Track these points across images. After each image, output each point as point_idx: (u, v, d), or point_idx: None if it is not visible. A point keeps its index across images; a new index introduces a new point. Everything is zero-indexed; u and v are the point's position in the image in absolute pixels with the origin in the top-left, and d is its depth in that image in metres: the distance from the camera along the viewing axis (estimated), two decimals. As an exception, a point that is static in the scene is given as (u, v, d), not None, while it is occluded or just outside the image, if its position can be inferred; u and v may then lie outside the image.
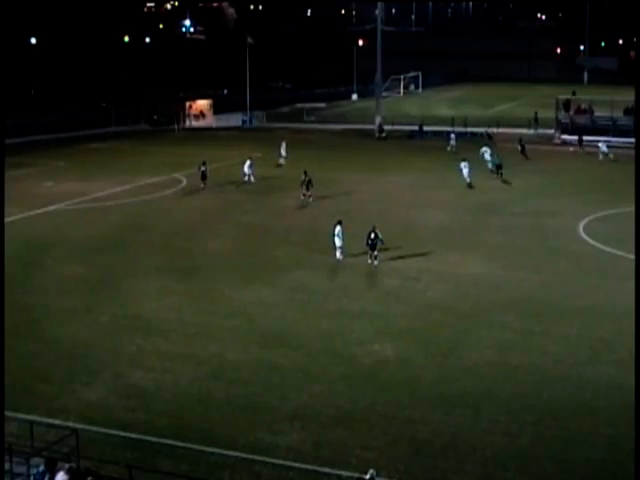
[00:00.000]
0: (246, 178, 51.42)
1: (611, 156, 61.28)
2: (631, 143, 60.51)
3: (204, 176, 49.47)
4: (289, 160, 56.40)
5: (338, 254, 34.33)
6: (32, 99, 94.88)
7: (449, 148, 64.14)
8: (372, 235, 33.77)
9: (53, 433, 19.04)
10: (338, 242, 34.17)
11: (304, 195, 46.58)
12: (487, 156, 55.77)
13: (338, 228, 34.30)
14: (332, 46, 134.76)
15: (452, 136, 66.00)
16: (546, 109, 76.69)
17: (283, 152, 58.36)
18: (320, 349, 25.69)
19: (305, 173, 46.83)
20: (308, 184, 46.39)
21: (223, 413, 21.57)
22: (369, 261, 33.92)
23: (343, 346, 25.87)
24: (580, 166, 60.27)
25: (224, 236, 39.56)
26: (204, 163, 49.65)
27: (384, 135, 74.08)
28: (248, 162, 51.80)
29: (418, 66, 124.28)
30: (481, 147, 57.36)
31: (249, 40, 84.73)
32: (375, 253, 33.85)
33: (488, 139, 66.86)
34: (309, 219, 42.86)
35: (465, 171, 51.05)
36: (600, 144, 62.60)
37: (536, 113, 75.07)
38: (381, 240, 33.80)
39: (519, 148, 60.74)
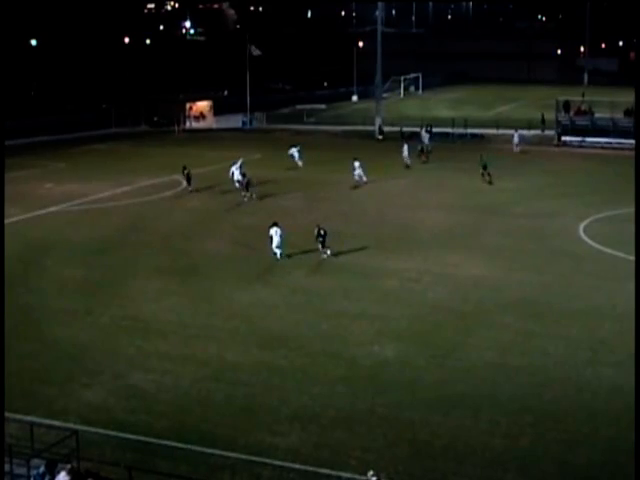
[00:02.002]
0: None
1: (518, 149, 63.81)
2: (631, 144, 60.51)
3: (189, 179, 49.06)
4: (289, 162, 56.34)
5: (278, 254, 34.93)
6: (32, 100, 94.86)
7: (425, 148, 63.97)
8: (321, 232, 35.09)
9: (53, 434, 19.02)
10: (276, 242, 34.82)
11: (244, 196, 46.69)
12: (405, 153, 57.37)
13: (273, 230, 34.93)
14: (332, 47, 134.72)
15: (425, 136, 65.92)
16: (546, 110, 76.63)
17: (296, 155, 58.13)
18: (320, 350, 25.69)
19: (245, 174, 47.35)
20: (247, 184, 46.57)
21: (223, 414, 21.56)
22: (323, 256, 35.00)
23: (343, 347, 25.87)
24: (580, 167, 60.27)
25: (224, 237, 39.56)
26: (185, 167, 49.28)
27: (381, 137, 74.13)
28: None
29: (418, 67, 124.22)
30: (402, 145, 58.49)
31: (255, 51, 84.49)
32: (325, 248, 35.10)
33: (427, 131, 67.41)
34: (308, 221, 42.72)
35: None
36: (515, 136, 65.29)
37: (543, 114, 75.13)
38: (325, 233, 35.16)
39: (419, 148, 61.37)
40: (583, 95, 78.44)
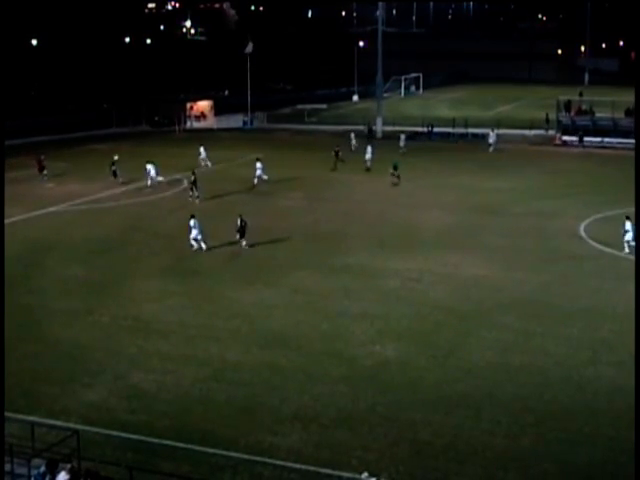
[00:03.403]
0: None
1: (491, 149, 63.83)
2: (632, 144, 60.52)
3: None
4: (290, 161, 56.33)
5: (195, 244, 36.40)
6: (33, 100, 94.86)
7: (400, 150, 63.90)
8: (241, 223, 36.56)
9: (54, 434, 19.04)
10: (194, 233, 36.19)
11: (191, 197, 46.52)
12: (368, 156, 56.82)
13: (192, 222, 36.22)
14: (333, 47, 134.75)
15: (402, 137, 65.91)
16: (547, 110, 76.66)
17: (203, 153, 57.46)
18: (321, 350, 25.70)
19: (193, 173, 47.13)
20: (194, 185, 46.43)
21: (224, 414, 21.57)
22: (243, 245, 36.63)
23: (344, 347, 25.87)
24: (581, 167, 60.30)
25: (224, 237, 39.53)
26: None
27: (375, 136, 74.20)
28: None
29: (419, 67, 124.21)
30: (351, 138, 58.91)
31: (249, 48, 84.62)
32: (244, 242, 36.62)
33: (369, 135, 66.94)
34: (310, 220, 42.88)
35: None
36: (490, 135, 65.33)
37: (547, 114, 75.16)
38: (245, 223, 36.68)
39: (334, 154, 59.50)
40: (581, 94, 78.32)
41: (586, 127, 68.84)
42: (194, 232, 36.36)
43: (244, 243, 36.77)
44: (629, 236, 35.17)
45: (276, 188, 51.00)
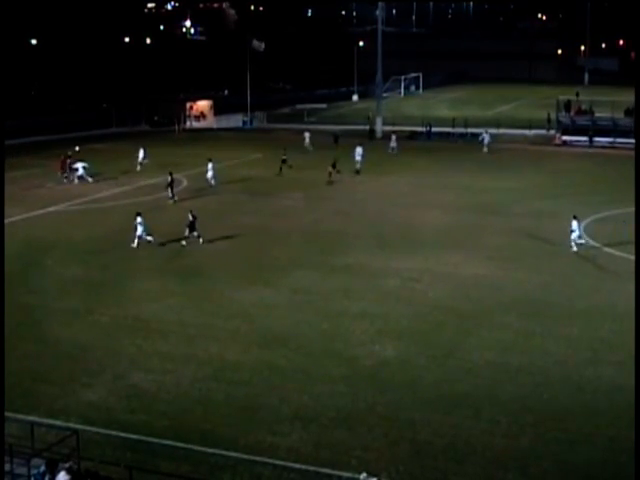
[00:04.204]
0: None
1: (485, 149, 63.43)
2: (631, 144, 60.53)
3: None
4: (290, 161, 56.30)
5: (136, 242, 36.93)
6: (33, 100, 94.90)
7: (390, 150, 63.74)
8: (191, 218, 37.22)
9: (54, 434, 19.04)
10: (139, 231, 36.87)
11: (170, 198, 46.31)
12: (358, 158, 55.87)
13: (138, 219, 36.90)
14: (333, 47, 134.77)
15: (393, 137, 65.89)
16: (548, 110, 76.67)
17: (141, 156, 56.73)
18: (321, 350, 25.69)
19: (170, 174, 46.81)
20: (171, 185, 46.31)
21: (223, 414, 21.56)
22: (183, 242, 37.11)
23: (344, 347, 25.87)
24: (580, 167, 60.30)
25: (224, 237, 39.55)
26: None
27: (375, 136, 74.18)
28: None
29: (419, 67, 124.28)
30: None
31: (258, 46, 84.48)
32: (195, 233, 37.22)
33: (335, 142, 66.31)
34: (309, 220, 42.89)
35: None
36: (484, 135, 65.12)
37: (549, 114, 75.18)
38: (195, 218, 37.39)
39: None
40: (577, 95, 78.30)
41: (596, 127, 68.78)
42: (139, 229, 36.85)
43: (195, 234, 37.15)
44: (575, 235, 35.92)
45: (276, 188, 51.00)
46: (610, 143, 67.46)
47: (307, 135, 65.16)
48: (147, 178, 53.24)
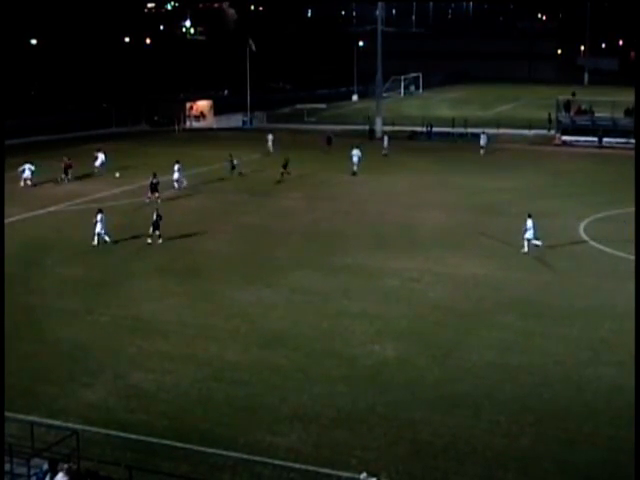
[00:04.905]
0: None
1: (482, 152, 63.11)
2: (631, 144, 60.53)
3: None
4: (291, 161, 56.31)
5: (95, 240, 37.35)
6: (33, 100, 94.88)
7: (383, 151, 63.56)
8: (155, 217, 37.57)
9: (53, 434, 19.05)
10: (98, 227, 37.29)
11: (149, 198, 45.82)
12: (355, 159, 55.23)
13: (98, 216, 37.28)
14: (332, 47, 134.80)
15: (385, 138, 65.84)
16: (548, 110, 76.65)
17: None
18: (320, 350, 25.69)
19: (154, 175, 46.55)
20: (155, 186, 46.06)
21: (223, 414, 21.56)
22: (148, 241, 37.46)
23: (343, 347, 25.87)
24: (580, 167, 60.30)
25: (224, 237, 39.58)
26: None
27: (375, 136, 74.13)
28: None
29: (418, 67, 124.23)
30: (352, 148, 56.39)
31: (252, 46, 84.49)
32: (158, 232, 37.56)
33: (328, 143, 65.51)
34: (308, 220, 42.89)
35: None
36: (481, 136, 64.79)
37: (550, 114, 75.18)
38: (161, 217, 37.68)
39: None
40: (573, 94, 78.27)
41: (606, 127, 68.70)
42: (99, 226, 37.25)
43: (157, 233, 37.51)
44: (529, 234, 35.64)
45: (275, 188, 51.00)
46: (610, 143, 67.43)
47: (270, 137, 64.75)
48: (147, 178, 53.13)
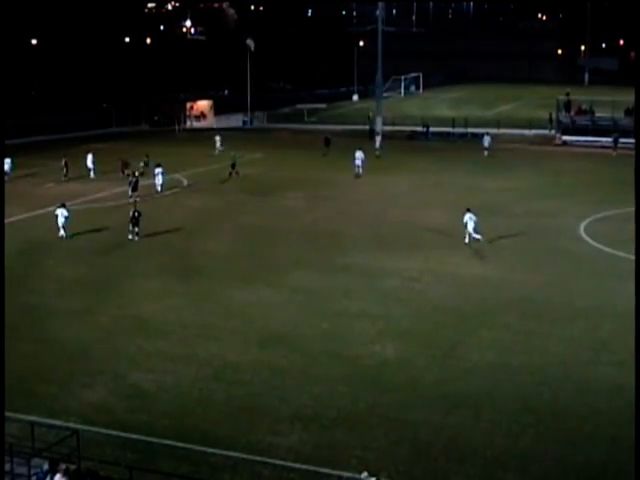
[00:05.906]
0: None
1: (486, 153, 62.62)
2: (632, 143, 60.46)
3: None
4: (289, 161, 56.37)
5: (62, 232, 38.31)
6: (33, 100, 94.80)
7: (377, 152, 63.38)
8: (135, 214, 38.07)
9: (54, 434, 19.05)
10: (60, 222, 38.26)
11: (131, 197, 45.48)
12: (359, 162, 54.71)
13: (62, 210, 38.39)
14: (333, 47, 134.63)
15: (377, 138, 65.73)
16: (547, 110, 76.67)
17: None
18: (321, 350, 25.69)
19: (134, 174, 46.82)
20: (136, 184, 46.18)
21: (224, 414, 21.56)
22: (129, 237, 38.06)
23: (344, 347, 25.86)
24: (580, 167, 60.30)
25: (224, 237, 39.59)
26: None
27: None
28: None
29: (419, 67, 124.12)
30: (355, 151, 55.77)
31: (250, 45, 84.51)
32: (137, 229, 38.06)
33: (326, 145, 64.93)
34: (309, 220, 42.89)
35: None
36: (485, 138, 64.28)
37: (551, 114, 75.18)
38: (139, 214, 38.13)
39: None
40: (567, 94, 78.18)
41: (586, 127, 68.70)
42: (60, 220, 38.11)
43: (137, 230, 37.94)
44: (470, 227, 36.60)
45: (276, 188, 51.00)
46: (610, 143, 67.31)
47: (218, 139, 64.69)
48: (147, 178, 53.13)
